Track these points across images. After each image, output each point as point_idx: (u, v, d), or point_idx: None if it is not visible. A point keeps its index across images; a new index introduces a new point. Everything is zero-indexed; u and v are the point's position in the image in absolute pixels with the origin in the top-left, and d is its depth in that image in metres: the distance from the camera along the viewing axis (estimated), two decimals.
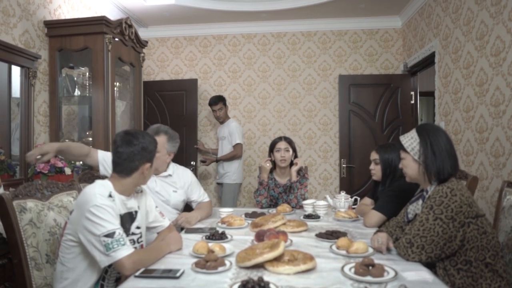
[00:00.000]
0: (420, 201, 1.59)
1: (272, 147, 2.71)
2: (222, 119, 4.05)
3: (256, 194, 2.66)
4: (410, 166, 1.58)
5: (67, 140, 3.09)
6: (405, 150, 1.58)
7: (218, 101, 3.99)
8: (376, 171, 2.25)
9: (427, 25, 3.63)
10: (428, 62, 3.73)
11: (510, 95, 2.31)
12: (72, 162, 2.66)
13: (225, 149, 4.03)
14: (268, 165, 2.65)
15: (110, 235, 1.33)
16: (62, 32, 2.92)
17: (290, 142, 2.70)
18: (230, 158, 3.95)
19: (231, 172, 3.96)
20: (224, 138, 4.04)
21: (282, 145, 2.66)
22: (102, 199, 1.39)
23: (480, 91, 2.66)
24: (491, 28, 2.53)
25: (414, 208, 1.60)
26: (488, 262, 1.40)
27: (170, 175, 2.26)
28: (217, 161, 4.03)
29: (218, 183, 4.20)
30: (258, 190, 2.65)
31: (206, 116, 4.67)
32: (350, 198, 2.47)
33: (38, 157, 1.80)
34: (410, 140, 1.57)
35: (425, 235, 1.40)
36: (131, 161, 1.50)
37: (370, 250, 1.51)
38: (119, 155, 1.50)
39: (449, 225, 1.39)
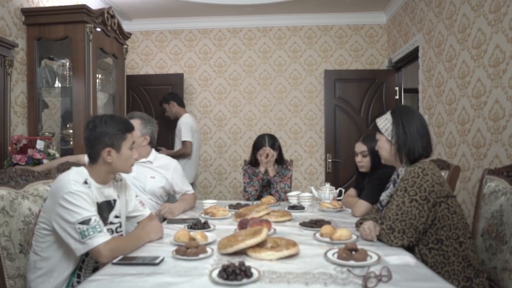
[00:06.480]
0: (391, 185, 1.59)
1: (255, 148, 2.64)
2: None
3: (249, 184, 2.60)
4: (384, 147, 1.61)
5: (46, 133, 3.01)
6: (379, 131, 1.61)
7: None
8: (364, 163, 2.20)
9: (411, 20, 3.67)
10: (412, 57, 3.77)
11: (491, 86, 2.34)
12: (51, 154, 2.58)
13: None
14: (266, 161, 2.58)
15: (86, 222, 1.29)
16: (40, 21, 2.83)
17: (273, 144, 2.60)
18: None
19: None
20: None
21: (265, 150, 2.57)
22: (76, 185, 1.34)
23: (462, 84, 2.69)
24: (472, 21, 2.56)
25: (387, 194, 1.61)
26: (462, 241, 1.42)
27: (150, 162, 2.21)
28: None
29: None
30: (251, 181, 2.60)
31: (191, 111, 4.61)
32: (334, 190, 2.47)
33: None
34: (384, 121, 1.61)
35: (404, 218, 1.41)
36: (91, 147, 1.46)
37: (354, 236, 1.51)
38: (84, 141, 1.49)
39: (424, 207, 1.41)
